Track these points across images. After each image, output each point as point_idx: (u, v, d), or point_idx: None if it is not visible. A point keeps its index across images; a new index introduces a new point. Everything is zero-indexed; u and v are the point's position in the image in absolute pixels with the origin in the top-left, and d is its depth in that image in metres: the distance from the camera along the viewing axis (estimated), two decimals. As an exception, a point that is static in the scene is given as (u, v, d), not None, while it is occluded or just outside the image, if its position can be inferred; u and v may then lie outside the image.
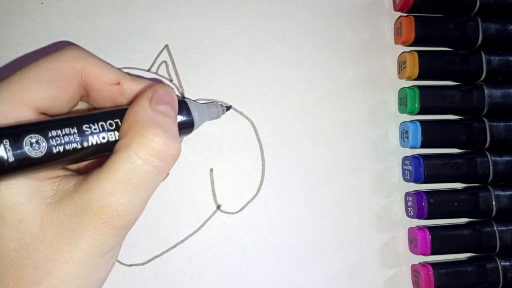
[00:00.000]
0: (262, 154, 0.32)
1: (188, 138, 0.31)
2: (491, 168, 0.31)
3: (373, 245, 0.32)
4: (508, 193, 0.32)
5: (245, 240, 0.31)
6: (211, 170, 0.31)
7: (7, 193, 0.18)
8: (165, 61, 0.31)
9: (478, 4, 0.32)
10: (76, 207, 0.18)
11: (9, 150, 0.17)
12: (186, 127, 0.23)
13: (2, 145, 0.17)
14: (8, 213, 0.18)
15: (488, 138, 0.32)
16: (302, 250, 0.31)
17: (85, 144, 0.19)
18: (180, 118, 0.23)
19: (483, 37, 0.32)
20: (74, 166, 0.23)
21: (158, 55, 0.31)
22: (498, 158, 0.32)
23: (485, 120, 0.32)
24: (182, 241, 0.31)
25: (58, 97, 0.20)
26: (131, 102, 0.21)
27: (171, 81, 0.31)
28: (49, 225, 0.18)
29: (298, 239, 0.31)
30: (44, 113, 0.20)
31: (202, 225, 0.31)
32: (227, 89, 0.32)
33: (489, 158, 0.31)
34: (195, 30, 0.32)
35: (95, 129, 0.19)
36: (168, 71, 0.31)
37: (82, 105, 0.24)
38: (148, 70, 0.31)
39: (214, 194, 0.31)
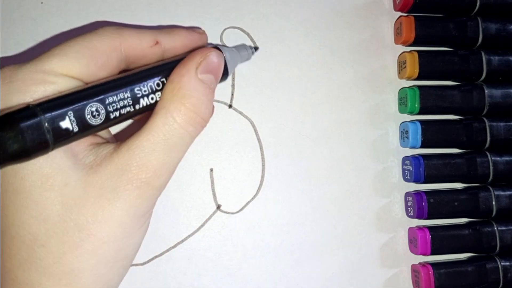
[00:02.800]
0: (262, 154, 0.32)
1: (188, 138, 0.31)
2: (491, 168, 0.31)
3: (373, 245, 0.32)
4: (508, 193, 0.32)
5: (245, 240, 0.31)
6: (211, 170, 0.31)
7: (53, 158, 0.19)
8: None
9: (478, 4, 0.32)
10: (116, 167, 0.19)
11: (73, 121, 0.18)
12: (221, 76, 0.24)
13: (67, 117, 0.18)
14: (53, 178, 0.19)
15: (488, 138, 0.32)
16: (302, 250, 0.31)
17: (137, 107, 0.20)
18: None
19: (483, 37, 0.32)
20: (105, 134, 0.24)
21: (158, 55, 0.31)
22: (498, 158, 0.32)
23: (485, 120, 0.32)
24: (182, 241, 0.31)
25: (97, 74, 0.21)
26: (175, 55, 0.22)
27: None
28: (91, 187, 0.19)
29: (298, 239, 0.31)
30: None
31: (202, 225, 0.31)
32: (227, 89, 0.32)
33: (489, 158, 0.31)
34: (195, 30, 0.32)
35: (145, 91, 0.20)
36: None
37: None
38: (148, 70, 0.31)
39: (214, 194, 0.31)
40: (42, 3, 0.31)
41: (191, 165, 0.31)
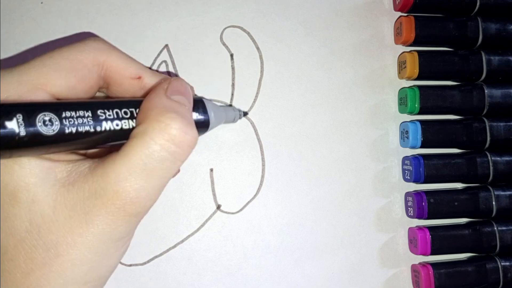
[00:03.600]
0: (262, 154, 0.32)
1: (188, 138, 0.31)
2: (491, 168, 0.31)
3: (373, 245, 0.32)
4: (508, 193, 0.32)
5: (245, 240, 0.31)
6: (211, 170, 0.31)
7: (20, 173, 0.18)
8: (165, 61, 0.31)
9: (478, 4, 0.32)
10: (90, 190, 0.18)
11: (21, 124, 0.17)
12: (201, 126, 0.23)
13: (15, 119, 0.17)
14: (21, 193, 0.18)
15: (488, 138, 0.32)
16: (302, 250, 0.31)
17: (98, 129, 0.19)
18: (195, 115, 0.22)
19: (483, 37, 0.32)
20: (85, 153, 0.23)
21: (158, 55, 0.31)
22: (498, 158, 0.32)
23: (485, 120, 0.32)
24: (182, 241, 0.31)
25: (76, 86, 0.20)
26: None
27: (171, 81, 0.31)
28: (62, 207, 0.18)
29: (298, 239, 0.31)
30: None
31: (202, 225, 0.31)
32: (227, 89, 0.32)
33: (489, 158, 0.31)
34: (195, 30, 0.32)
35: (109, 115, 0.19)
36: (168, 71, 0.31)
37: (99, 95, 0.24)
38: (148, 70, 0.31)
39: (214, 194, 0.31)
40: (42, 3, 0.31)
41: (191, 165, 0.31)
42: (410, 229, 0.32)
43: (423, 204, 0.31)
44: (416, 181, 0.32)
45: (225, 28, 0.32)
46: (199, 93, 0.31)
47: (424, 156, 0.32)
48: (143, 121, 0.19)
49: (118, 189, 0.18)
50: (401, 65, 0.32)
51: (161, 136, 0.18)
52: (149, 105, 0.19)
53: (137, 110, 0.20)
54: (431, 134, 0.31)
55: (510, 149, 0.32)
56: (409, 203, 0.32)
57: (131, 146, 0.18)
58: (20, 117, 0.17)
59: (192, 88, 0.23)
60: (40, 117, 0.18)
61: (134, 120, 0.20)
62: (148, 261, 0.30)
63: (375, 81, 0.33)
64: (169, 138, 0.19)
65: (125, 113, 0.20)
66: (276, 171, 0.32)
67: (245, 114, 0.30)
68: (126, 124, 0.20)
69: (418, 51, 0.32)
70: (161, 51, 0.31)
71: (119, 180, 0.18)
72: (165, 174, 0.19)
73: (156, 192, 0.19)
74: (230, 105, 0.28)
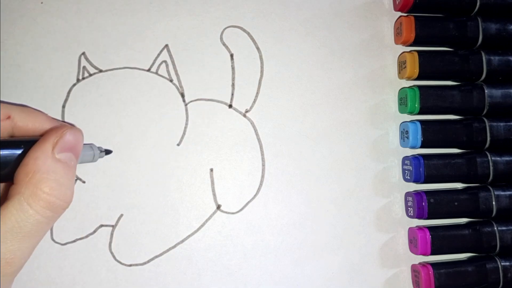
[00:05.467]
0: (262, 154, 0.32)
1: (188, 138, 0.31)
2: (491, 168, 0.31)
3: (373, 245, 0.32)
4: (508, 193, 0.32)
5: (245, 240, 0.31)
6: (211, 170, 0.31)
7: None
8: (165, 61, 0.31)
9: (478, 4, 0.32)
10: None
11: None
12: None
13: None
14: None
15: (488, 138, 0.32)
16: (302, 250, 0.31)
17: None
18: None
19: (483, 37, 0.32)
20: None
21: (158, 55, 0.31)
22: (498, 158, 0.32)
23: (485, 120, 0.32)
24: (182, 241, 0.31)
25: None
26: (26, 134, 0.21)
27: (171, 81, 0.31)
28: None
29: (298, 239, 0.31)
30: None
31: (202, 225, 0.31)
32: (227, 89, 0.32)
33: (489, 158, 0.31)
34: (195, 30, 0.32)
35: None
36: (168, 71, 0.31)
37: None
38: (148, 70, 0.31)
39: (214, 194, 0.31)
40: (42, 3, 0.31)
41: (191, 165, 0.31)
42: (410, 229, 0.32)
43: (423, 204, 0.31)
44: (416, 181, 0.32)
45: (225, 28, 0.32)
46: (199, 94, 0.31)
47: (424, 156, 0.32)
48: (22, 182, 0.19)
49: None
50: (401, 65, 0.32)
51: (38, 203, 0.19)
52: (32, 165, 0.19)
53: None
54: (431, 134, 0.31)
55: (510, 149, 0.32)
56: (409, 203, 0.32)
57: (7, 208, 0.19)
58: None
59: (81, 134, 0.22)
60: None
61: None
62: (148, 261, 0.30)
63: (375, 81, 0.33)
64: (45, 205, 0.19)
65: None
66: (276, 171, 0.32)
67: (108, 152, 0.29)
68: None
69: (418, 51, 0.32)
70: (161, 51, 0.31)
71: None
72: (39, 234, 0.20)
73: (31, 250, 0.20)
74: (90, 144, 0.27)
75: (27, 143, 0.21)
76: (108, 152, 0.28)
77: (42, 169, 0.19)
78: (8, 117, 0.22)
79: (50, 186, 0.19)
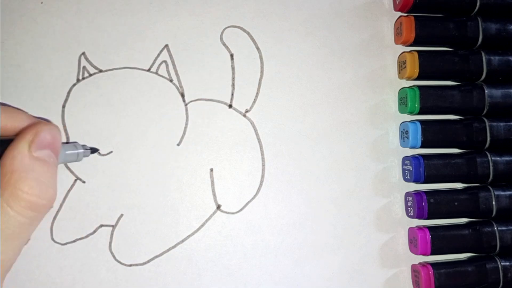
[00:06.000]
0: (262, 154, 0.32)
1: (188, 138, 0.31)
2: (491, 168, 0.31)
3: (373, 245, 0.32)
4: (508, 193, 0.32)
5: (245, 240, 0.31)
6: (211, 170, 0.31)
7: None
8: (165, 61, 0.31)
9: (478, 4, 0.32)
10: None
11: None
12: None
13: None
14: None
15: (488, 138, 0.32)
16: (302, 250, 0.31)
17: None
18: None
19: (483, 37, 0.32)
20: None
21: (158, 55, 0.31)
22: (498, 158, 0.32)
23: (485, 120, 0.32)
24: (182, 241, 0.31)
25: None
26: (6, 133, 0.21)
27: (171, 81, 0.31)
28: None
29: (298, 239, 0.31)
30: None
31: (202, 225, 0.31)
32: (227, 89, 0.32)
33: (489, 158, 0.31)
34: (195, 30, 0.32)
35: None
36: (168, 71, 0.31)
37: None
38: (148, 70, 0.31)
39: (214, 194, 0.31)
40: (42, 3, 0.31)
41: (191, 165, 0.31)
42: (410, 229, 0.32)
43: (423, 204, 0.31)
44: (416, 181, 0.32)
45: (225, 28, 0.32)
46: (199, 94, 0.31)
47: (424, 156, 0.32)
48: (1, 183, 0.19)
49: None
50: (401, 65, 0.32)
51: (18, 203, 0.18)
52: (9, 166, 0.19)
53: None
54: (431, 134, 0.31)
55: (510, 149, 0.32)
56: (409, 203, 0.32)
57: None
58: None
59: (58, 130, 0.22)
60: None
61: None
62: (148, 261, 0.30)
63: (375, 81, 0.33)
64: (26, 205, 0.19)
65: None
66: (276, 171, 0.32)
67: (94, 151, 0.27)
68: None
69: (418, 51, 0.32)
70: (161, 51, 0.31)
71: None
72: (23, 235, 0.19)
73: (16, 252, 0.19)
74: (74, 142, 0.26)
75: (3, 143, 0.20)
76: (94, 150, 0.28)
77: (19, 168, 0.19)
78: None
79: (29, 185, 0.19)
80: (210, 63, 0.31)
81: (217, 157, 0.31)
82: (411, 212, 0.32)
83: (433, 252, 0.31)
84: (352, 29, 0.33)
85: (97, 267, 0.30)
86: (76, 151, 0.25)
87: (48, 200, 0.19)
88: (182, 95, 0.31)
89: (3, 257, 0.19)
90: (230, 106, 0.32)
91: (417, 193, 0.32)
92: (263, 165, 0.32)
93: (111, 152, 0.30)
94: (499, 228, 0.31)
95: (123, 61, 0.31)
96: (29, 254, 0.29)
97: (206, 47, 0.32)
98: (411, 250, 0.32)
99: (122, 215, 0.30)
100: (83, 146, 0.26)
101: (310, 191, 0.32)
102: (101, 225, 0.30)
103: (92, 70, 0.31)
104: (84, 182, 0.30)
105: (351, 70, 0.33)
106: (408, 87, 0.32)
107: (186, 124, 0.31)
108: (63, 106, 0.30)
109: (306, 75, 0.32)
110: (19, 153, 0.19)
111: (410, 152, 0.33)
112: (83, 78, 0.30)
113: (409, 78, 0.32)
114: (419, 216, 0.31)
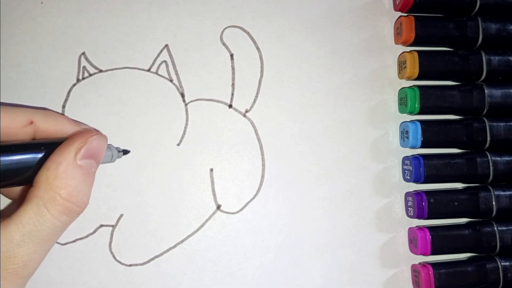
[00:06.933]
0: (262, 154, 0.32)
1: (188, 138, 0.31)
2: (491, 168, 0.31)
3: (373, 245, 0.32)
4: (508, 193, 0.32)
5: (245, 240, 0.31)
6: (211, 170, 0.31)
7: None
8: (165, 61, 0.31)
9: (478, 4, 0.32)
10: None
11: None
12: None
13: None
14: None
15: (488, 138, 0.32)
16: (302, 250, 0.31)
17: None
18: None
19: (483, 37, 0.32)
20: None
21: (158, 55, 0.31)
22: (498, 158, 0.32)
23: (485, 120, 0.32)
24: (182, 241, 0.31)
25: None
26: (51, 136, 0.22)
27: (171, 81, 0.31)
28: None
29: (298, 239, 0.31)
30: None
31: (202, 225, 0.31)
32: (227, 89, 0.32)
33: (489, 158, 0.31)
34: (195, 30, 0.32)
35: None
36: (168, 71, 0.31)
37: None
38: (148, 70, 0.31)
39: (214, 194, 0.31)
40: (42, 3, 0.31)
41: (191, 165, 0.31)
42: (410, 229, 0.32)
43: (423, 204, 0.31)
44: (416, 181, 0.32)
45: (225, 28, 0.32)
46: (199, 94, 0.31)
47: (424, 156, 0.32)
48: (42, 185, 0.19)
49: (11, 255, 0.19)
50: (401, 65, 0.32)
51: (55, 208, 0.19)
52: (53, 170, 0.20)
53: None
54: (431, 134, 0.31)
55: (510, 149, 0.32)
56: (409, 203, 0.32)
57: (25, 211, 0.19)
58: None
59: (106, 140, 0.23)
60: None
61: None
62: (148, 261, 0.30)
63: (375, 81, 0.33)
64: (62, 210, 0.20)
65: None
66: (276, 171, 0.32)
67: (126, 152, 0.28)
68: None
69: (418, 51, 0.32)
70: (161, 51, 0.31)
71: (12, 246, 0.19)
72: (54, 238, 0.20)
73: (45, 253, 0.20)
74: (108, 144, 0.26)
75: (49, 146, 0.21)
76: (126, 152, 0.28)
77: (63, 174, 0.20)
78: (31, 123, 0.22)
79: (69, 192, 0.20)
80: (210, 63, 0.31)
81: (217, 157, 0.31)
82: (411, 212, 0.32)
83: (433, 252, 0.31)
84: (352, 29, 0.33)
85: (97, 267, 0.30)
86: (111, 153, 0.26)
87: (81, 207, 0.21)
88: (182, 95, 0.31)
89: (35, 257, 0.19)
90: (230, 106, 0.32)
91: (417, 193, 0.32)
92: (263, 165, 0.32)
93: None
94: (499, 228, 0.31)
95: (123, 61, 0.31)
96: (29, 254, 0.29)
97: (206, 47, 0.32)
98: (411, 250, 0.32)
99: (122, 215, 0.30)
100: (117, 148, 0.26)
101: (310, 191, 0.32)
102: (101, 225, 0.30)
103: (92, 70, 0.31)
104: (84, 182, 0.30)
105: (351, 70, 0.33)
106: (408, 87, 0.32)
107: (186, 124, 0.31)
108: (63, 106, 0.30)
109: (306, 75, 0.32)
110: (65, 159, 0.20)
111: (410, 152, 0.33)
112: (83, 78, 0.30)
113: (409, 78, 0.32)
114: (419, 216, 0.31)
